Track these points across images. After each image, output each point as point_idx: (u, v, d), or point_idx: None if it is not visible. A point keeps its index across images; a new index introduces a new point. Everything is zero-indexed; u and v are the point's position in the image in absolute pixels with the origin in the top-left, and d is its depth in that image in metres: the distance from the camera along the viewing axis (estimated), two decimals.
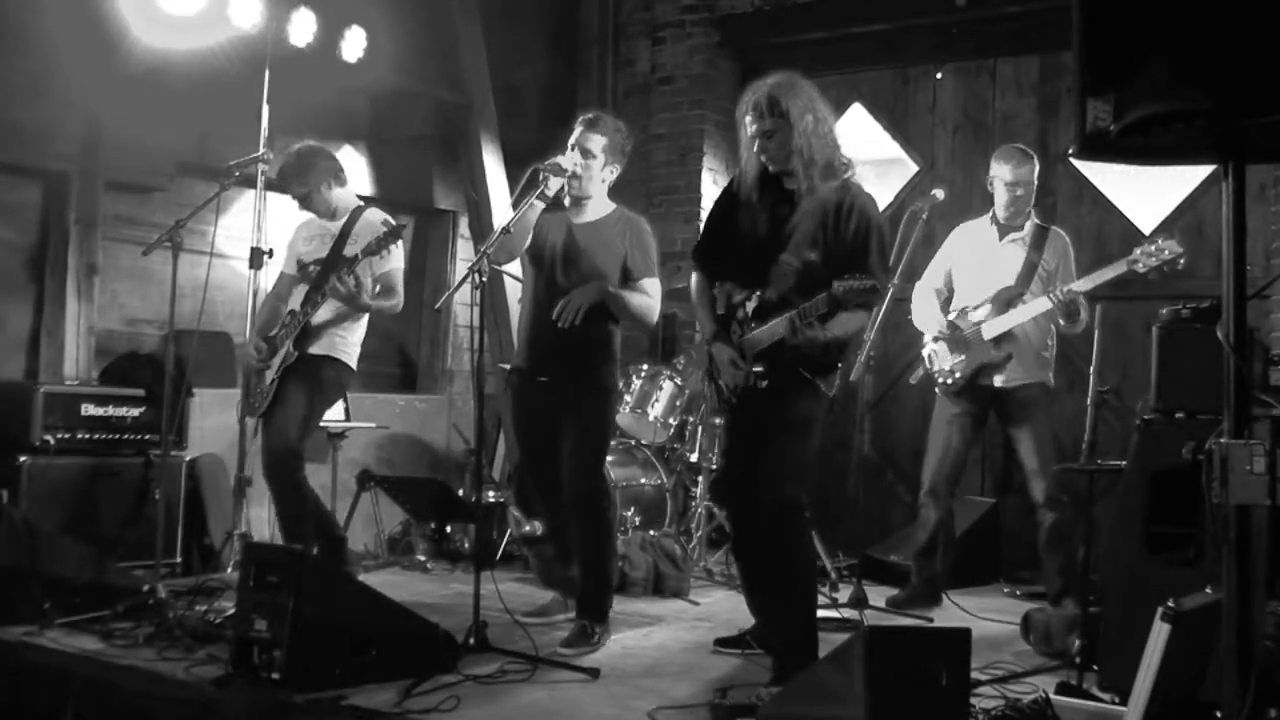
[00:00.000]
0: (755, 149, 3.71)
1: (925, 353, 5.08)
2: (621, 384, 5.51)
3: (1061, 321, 4.75)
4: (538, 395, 4.31)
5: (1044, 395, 4.91)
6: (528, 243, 4.29)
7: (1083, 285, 4.67)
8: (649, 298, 4.29)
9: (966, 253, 5.10)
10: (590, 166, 4.25)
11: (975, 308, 4.96)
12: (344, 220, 4.81)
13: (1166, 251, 4.42)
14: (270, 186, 5.21)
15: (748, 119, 3.70)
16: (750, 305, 3.72)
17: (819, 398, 3.70)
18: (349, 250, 4.68)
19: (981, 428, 5.11)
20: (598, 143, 4.25)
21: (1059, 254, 4.94)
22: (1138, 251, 4.49)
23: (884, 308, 4.75)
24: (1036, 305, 4.80)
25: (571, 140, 4.29)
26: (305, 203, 4.84)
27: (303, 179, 4.79)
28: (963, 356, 4.91)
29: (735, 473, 3.95)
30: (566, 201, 4.33)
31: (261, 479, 4.89)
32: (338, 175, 4.89)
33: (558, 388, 4.25)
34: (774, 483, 3.65)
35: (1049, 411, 4.90)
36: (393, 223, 4.65)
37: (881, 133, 7.06)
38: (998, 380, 4.88)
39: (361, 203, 4.94)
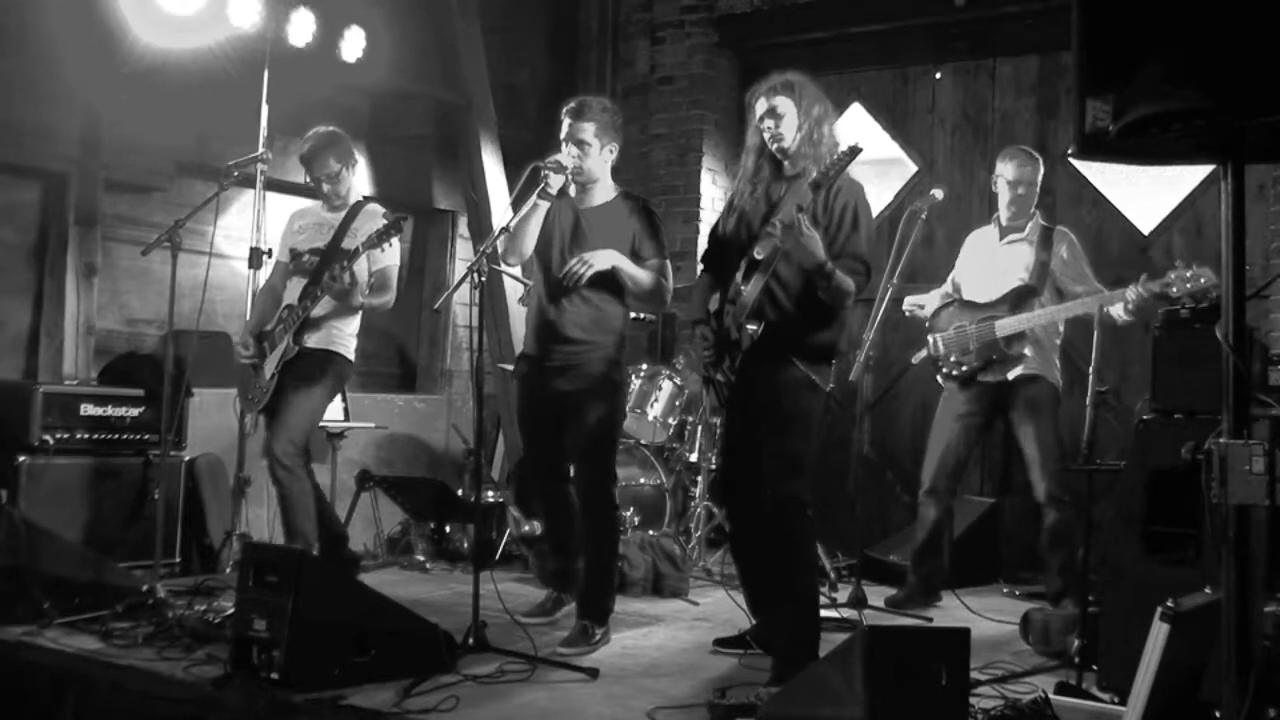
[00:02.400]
0: (763, 127, 3.85)
1: (931, 337, 5.07)
2: None
3: (1123, 315, 4.60)
4: (545, 381, 4.29)
5: (1051, 395, 4.90)
6: (535, 242, 4.29)
7: (1131, 295, 4.54)
8: (658, 276, 4.27)
9: (971, 256, 5.12)
10: (588, 157, 4.25)
11: (987, 305, 4.94)
12: (344, 212, 4.82)
13: (1203, 279, 4.36)
14: (270, 186, 5.20)
15: (760, 100, 3.87)
16: (740, 272, 3.75)
17: (815, 392, 3.72)
18: (348, 243, 4.68)
19: (986, 431, 5.10)
20: (589, 130, 4.25)
21: (1067, 249, 4.93)
22: (1172, 275, 4.37)
23: (883, 307, 4.77)
24: (1058, 311, 4.76)
25: (563, 134, 4.28)
26: (332, 182, 4.81)
27: (339, 154, 4.81)
28: (971, 349, 4.90)
29: (735, 470, 3.96)
30: (572, 190, 4.34)
31: (260, 479, 4.89)
32: (356, 162, 4.95)
33: (566, 374, 4.24)
34: (776, 480, 3.66)
35: (1055, 412, 4.89)
36: (392, 216, 4.64)
37: (881, 132, 7.06)
38: (1008, 375, 4.88)
39: (363, 199, 4.95)
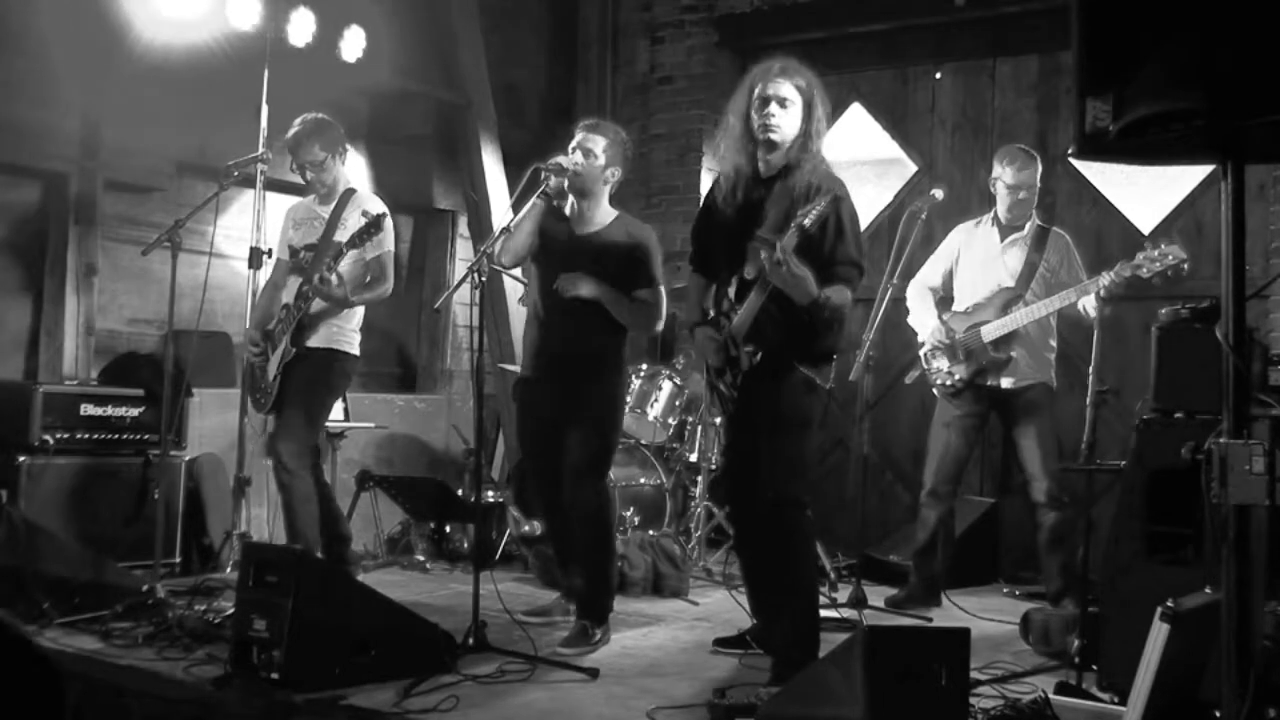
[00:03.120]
0: (767, 112, 3.67)
1: (922, 353, 5.08)
2: None
3: (1090, 310, 4.58)
4: (543, 404, 4.31)
5: (1048, 396, 4.91)
6: (533, 245, 4.28)
7: (1104, 280, 4.53)
8: (649, 305, 4.28)
9: (967, 253, 5.09)
10: (592, 167, 4.24)
11: (972, 309, 4.95)
12: (334, 204, 4.80)
13: (1170, 256, 4.37)
14: (270, 186, 5.20)
15: (764, 84, 3.67)
16: (731, 289, 3.73)
17: (815, 392, 3.71)
18: (339, 235, 4.66)
19: (983, 429, 5.10)
20: (599, 143, 4.25)
21: (1061, 253, 4.93)
22: (1141, 256, 4.42)
23: (883, 307, 4.77)
24: (1039, 307, 4.77)
25: (573, 143, 4.29)
26: (316, 170, 4.77)
27: (325, 142, 4.76)
28: (961, 359, 4.90)
29: (736, 471, 3.95)
30: (569, 210, 4.33)
31: (260, 479, 4.88)
32: (345, 151, 4.91)
33: (563, 395, 4.23)
34: (775, 481, 3.66)
35: (1052, 412, 4.90)
36: (372, 213, 4.60)
37: (881, 132, 7.06)
38: (1005, 382, 4.87)
39: (353, 187, 4.92)
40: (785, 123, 3.67)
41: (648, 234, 4.39)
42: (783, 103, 3.67)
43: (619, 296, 4.21)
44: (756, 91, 3.69)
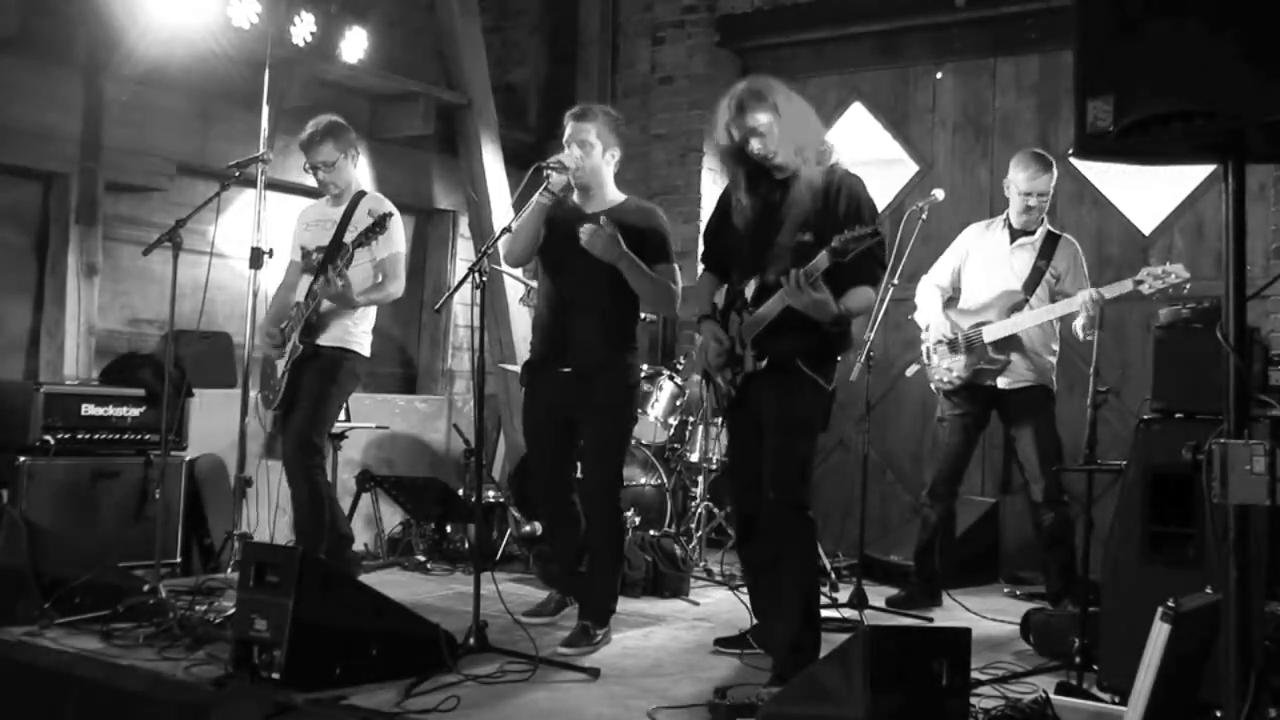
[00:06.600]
0: (752, 149, 3.71)
1: (924, 349, 5.08)
2: None
3: (1080, 329, 4.63)
4: (555, 389, 4.25)
5: (1046, 398, 4.90)
6: (540, 243, 4.27)
7: (1095, 295, 4.54)
8: (666, 280, 4.21)
9: (977, 254, 5.08)
10: (590, 157, 4.23)
11: (977, 308, 4.96)
12: (345, 206, 4.81)
13: (1173, 275, 4.41)
14: (270, 186, 5.19)
15: (732, 125, 3.70)
16: (750, 290, 3.73)
17: (820, 394, 3.70)
18: (349, 237, 4.67)
19: (982, 429, 5.11)
20: (591, 131, 4.24)
21: (1068, 260, 4.92)
22: (1144, 272, 4.46)
23: (883, 308, 4.76)
24: (1041, 312, 4.78)
25: (566, 137, 4.28)
26: (328, 171, 4.77)
27: (339, 144, 4.76)
28: (961, 358, 4.91)
29: (740, 472, 3.95)
30: (576, 196, 4.33)
31: (260, 479, 4.88)
32: (357, 154, 4.92)
33: (577, 380, 4.19)
34: (779, 484, 3.66)
35: (1050, 413, 4.90)
36: (378, 213, 4.61)
37: (881, 133, 7.06)
38: (1001, 382, 4.88)
39: (364, 190, 4.93)
40: (770, 144, 3.69)
41: (657, 212, 4.37)
42: (755, 133, 3.68)
43: (637, 263, 4.12)
44: (735, 134, 3.72)
